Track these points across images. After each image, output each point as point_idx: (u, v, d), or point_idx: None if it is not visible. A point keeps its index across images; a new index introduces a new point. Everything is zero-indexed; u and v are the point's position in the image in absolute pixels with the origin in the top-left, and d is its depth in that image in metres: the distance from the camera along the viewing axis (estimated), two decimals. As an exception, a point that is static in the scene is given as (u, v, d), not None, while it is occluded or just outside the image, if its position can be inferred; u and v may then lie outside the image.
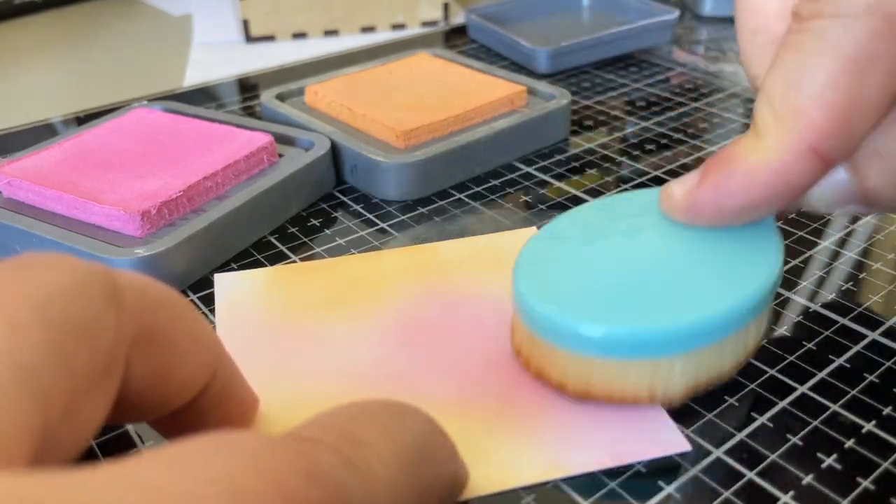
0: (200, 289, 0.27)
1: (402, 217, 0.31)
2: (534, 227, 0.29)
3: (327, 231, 0.30)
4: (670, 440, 0.20)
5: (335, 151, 0.33)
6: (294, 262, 0.28)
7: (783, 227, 0.29)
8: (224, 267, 0.28)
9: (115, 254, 0.25)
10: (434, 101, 0.35)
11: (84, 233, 0.27)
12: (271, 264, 0.28)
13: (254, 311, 0.25)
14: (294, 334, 0.24)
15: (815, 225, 0.29)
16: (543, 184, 0.33)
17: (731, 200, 0.20)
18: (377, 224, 0.30)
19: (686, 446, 0.20)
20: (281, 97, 0.38)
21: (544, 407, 0.21)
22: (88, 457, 0.20)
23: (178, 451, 0.10)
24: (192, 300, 0.26)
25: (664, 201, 0.21)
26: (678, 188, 0.21)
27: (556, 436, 0.20)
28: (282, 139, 0.33)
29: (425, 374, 0.22)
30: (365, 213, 0.31)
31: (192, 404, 0.16)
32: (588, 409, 0.20)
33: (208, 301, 0.26)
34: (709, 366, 0.20)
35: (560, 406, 0.21)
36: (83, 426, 0.12)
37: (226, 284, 0.27)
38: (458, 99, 0.35)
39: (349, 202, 0.32)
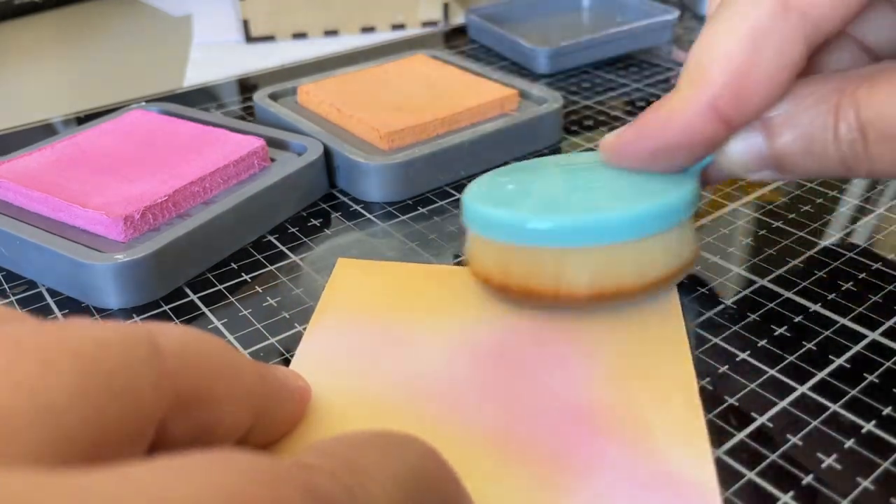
0: (201, 289, 0.27)
1: (403, 217, 0.31)
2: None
3: (327, 231, 0.30)
4: None
5: (329, 155, 0.33)
6: (294, 262, 0.28)
7: (783, 227, 0.29)
8: (214, 270, 0.28)
9: (96, 259, 0.25)
10: (423, 102, 0.35)
11: (68, 236, 0.27)
12: (272, 264, 0.28)
13: (356, 303, 0.25)
14: (384, 335, 0.24)
15: (815, 225, 0.29)
16: (543, 184, 0.33)
17: (646, 143, 0.22)
18: (377, 224, 0.30)
19: None
20: (274, 96, 0.38)
21: (594, 475, 0.19)
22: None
23: (182, 462, 0.10)
24: (192, 300, 0.26)
25: (601, 147, 0.24)
26: (611, 133, 0.24)
27: None
28: (276, 143, 0.33)
29: (485, 404, 0.21)
30: (365, 213, 0.31)
31: (237, 444, 0.16)
32: (638, 494, 0.19)
33: (209, 301, 0.26)
34: (607, 270, 0.23)
35: (609, 477, 0.19)
36: None
37: (344, 269, 0.27)
38: (447, 101, 0.35)
39: (349, 202, 0.32)
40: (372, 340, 0.24)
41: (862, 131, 0.19)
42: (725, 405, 0.21)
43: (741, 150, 0.22)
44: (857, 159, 0.20)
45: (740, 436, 0.20)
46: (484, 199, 0.24)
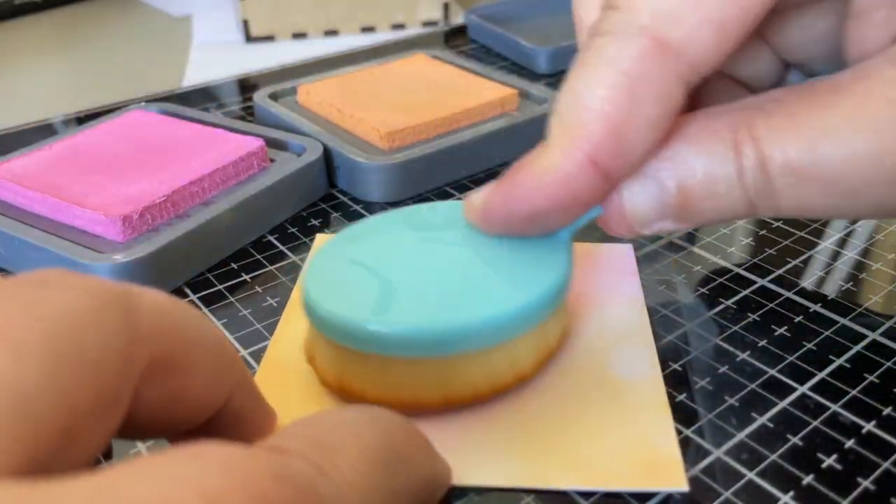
0: (201, 289, 0.27)
1: (402, 217, 0.31)
2: (630, 245, 0.28)
3: (327, 231, 0.30)
4: (668, 475, 0.19)
5: (329, 155, 0.33)
6: (294, 262, 0.28)
7: (783, 227, 0.29)
8: (214, 270, 0.28)
9: (94, 259, 0.25)
10: (423, 102, 0.35)
11: (67, 237, 0.27)
12: (271, 264, 0.28)
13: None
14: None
15: (816, 225, 0.29)
16: (543, 184, 0.33)
17: (519, 206, 0.20)
18: (377, 224, 0.30)
19: (684, 487, 0.18)
20: (274, 96, 0.38)
21: (548, 415, 0.21)
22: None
23: (152, 461, 0.11)
24: (192, 300, 0.26)
25: (466, 209, 0.22)
26: (477, 195, 0.21)
27: (550, 448, 0.20)
28: (275, 143, 0.33)
29: None
30: (365, 213, 0.31)
31: (207, 424, 0.16)
32: (590, 427, 0.20)
33: (209, 301, 0.26)
34: (461, 378, 0.20)
35: (566, 417, 0.21)
36: (84, 449, 0.12)
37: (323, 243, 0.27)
38: (448, 101, 0.35)
39: (349, 202, 0.32)
40: None
41: (763, 167, 0.18)
42: (725, 405, 0.21)
43: (639, 203, 0.19)
44: (762, 195, 0.18)
45: (740, 436, 0.20)
46: (340, 301, 0.20)
